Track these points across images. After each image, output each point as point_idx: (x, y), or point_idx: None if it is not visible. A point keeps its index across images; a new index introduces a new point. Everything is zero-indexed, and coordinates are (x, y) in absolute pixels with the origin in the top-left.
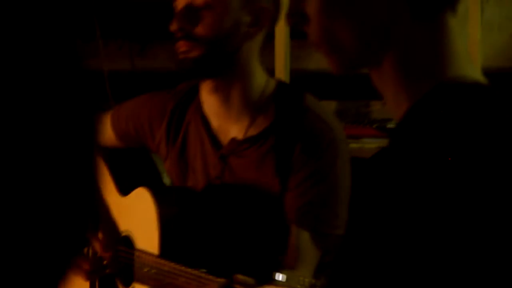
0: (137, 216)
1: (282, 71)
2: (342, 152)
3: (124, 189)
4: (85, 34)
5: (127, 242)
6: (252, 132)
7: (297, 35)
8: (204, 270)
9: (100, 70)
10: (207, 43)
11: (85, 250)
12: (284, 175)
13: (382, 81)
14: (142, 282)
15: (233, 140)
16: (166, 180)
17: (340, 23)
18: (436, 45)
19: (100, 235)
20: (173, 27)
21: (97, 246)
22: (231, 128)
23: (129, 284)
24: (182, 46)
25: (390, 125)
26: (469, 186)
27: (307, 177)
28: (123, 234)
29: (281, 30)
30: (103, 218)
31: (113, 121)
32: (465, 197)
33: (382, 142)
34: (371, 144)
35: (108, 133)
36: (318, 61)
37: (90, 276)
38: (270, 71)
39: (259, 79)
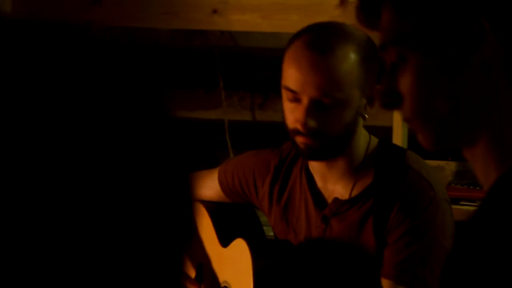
0: (234, 267)
1: (399, 136)
2: (442, 210)
3: (225, 240)
4: (208, 84)
5: None
6: (355, 192)
7: None
8: None
9: (221, 120)
10: (330, 137)
11: None
12: (380, 233)
13: (473, 155)
14: None
15: (336, 200)
16: (269, 232)
17: (435, 99)
18: None
19: (203, 286)
20: (303, 128)
21: None
22: (335, 188)
23: None
24: (306, 140)
25: None
26: None
27: (405, 234)
28: (223, 285)
29: None
30: (205, 269)
31: (220, 176)
32: None
33: None
34: None
35: (215, 187)
36: None
37: None
38: (387, 130)
39: (362, 141)
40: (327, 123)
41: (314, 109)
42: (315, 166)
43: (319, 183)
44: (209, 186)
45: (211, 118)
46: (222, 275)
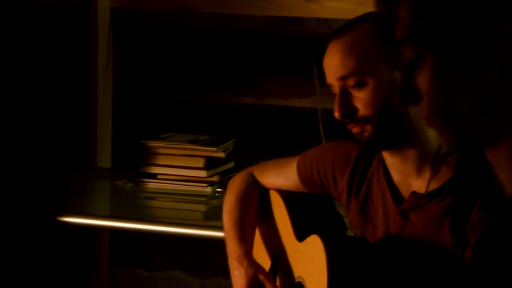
0: (309, 263)
1: None
2: None
3: (301, 234)
4: (303, 72)
5: None
6: (434, 186)
7: None
8: None
9: (314, 108)
10: (373, 120)
11: None
12: (459, 231)
13: (496, 157)
14: None
15: (414, 193)
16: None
17: (452, 99)
18: None
19: (278, 279)
20: (337, 115)
21: (273, 286)
22: (412, 182)
23: None
24: (353, 128)
25: None
26: None
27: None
28: (297, 280)
29: None
30: (281, 261)
31: (299, 166)
32: None
33: None
34: None
35: (293, 177)
36: None
37: None
38: None
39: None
40: (364, 104)
41: (346, 94)
42: (389, 160)
43: (396, 177)
44: (287, 176)
45: (305, 106)
46: (297, 270)
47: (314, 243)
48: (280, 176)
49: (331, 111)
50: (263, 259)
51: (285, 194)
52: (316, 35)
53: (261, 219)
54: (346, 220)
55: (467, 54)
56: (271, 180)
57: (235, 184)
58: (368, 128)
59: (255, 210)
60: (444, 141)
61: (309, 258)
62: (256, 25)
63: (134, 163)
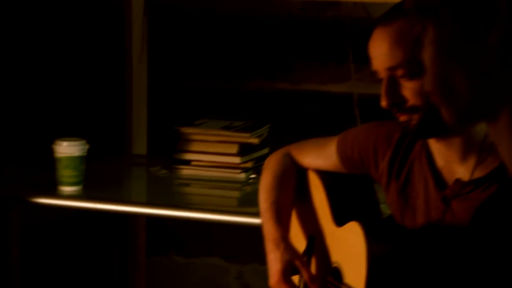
0: (347, 250)
1: None
2: None
3: (339, 218)
4: (338, 58)
5: (336, 274)
6: (478, 174)
7: None
8: None
9: (350, 93)
10: (421, 109)
11: (298, 276)
12: (505, 221)
13: (497, 133)
14: None
15: (458, 181)
16: (384, 210)
17: (456, 73)
18: None
19: (313, 261)
20: (384, 104)
21: (308, 273)
22: (457, 168)
23: None
24: (400, 117)
25: None
26: None
27: None
28: (334, 265)
29: None
30: (317, 243)
31: (339, 146)
32: None
33: None
34: None
35: (332, 157)
36: None
37: None
38: None
39: None
40: (413, 95)
41: (394, 84)
42: (434, 145)
43: (440, 162)
44: (327, 156)
45: (341, 91)
46: (334, 255)
47: (354, 230)
48: (319, 157)
49: (367, 96)
50: (298, 239)
51: (324, 176)
52: (352, 19)
53: (298, 199)
54: (382, 205)
55: (466, 28)
56: (309, 161)
57: (272, 164)
58: (416, 117)
59: (292, 191)
60: (446, 115)
61: (347, 244)
62: (292, 9)
63: (169, 150)
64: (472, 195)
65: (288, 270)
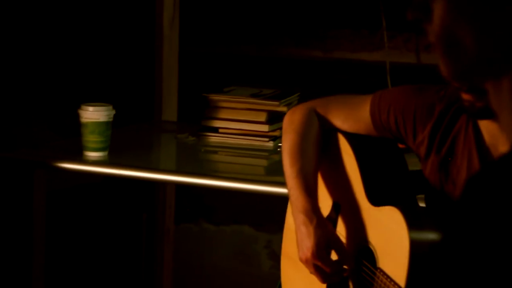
0: (385, 235)
1: None
2: None
3: (373, 195)
4: (371, 26)
5: (369, 254)
6: None
7: None
8: None
9: (383, 62)
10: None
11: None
12: None
13: (499, 101)
14: None
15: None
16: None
17: (464, 28)
18: None
19: (337, 231)
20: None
21: (343, 253)
22: (503, 145)
23: None
24: (466, 96)
25: None
26: None
27: None
28: (363, 244)
29: None
30: (342, 212)
31: (373, 108)
32: None
33: None
34: None
35: (364, 120)
36: None
37: (328, 280)
38: None
39: None
40: None
41: None
42: (484, 122)
43: (488, 139)
44: (358, 118)
45: (374, 60)
46: (364, 233)
47: (394, 218)
48: (349, 118)
49: (400, 65)
50: (321, 203)
51: (354, 143)
52: None
53: (323, 159)
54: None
55: None
56: (338, 122)
57: (297, 123)
58: (481, 101)
59: (319, 154)
60: (443, 69)
61: (385, 230)
62: None
63: (199, 117)
64: None
65: (322, 247)
